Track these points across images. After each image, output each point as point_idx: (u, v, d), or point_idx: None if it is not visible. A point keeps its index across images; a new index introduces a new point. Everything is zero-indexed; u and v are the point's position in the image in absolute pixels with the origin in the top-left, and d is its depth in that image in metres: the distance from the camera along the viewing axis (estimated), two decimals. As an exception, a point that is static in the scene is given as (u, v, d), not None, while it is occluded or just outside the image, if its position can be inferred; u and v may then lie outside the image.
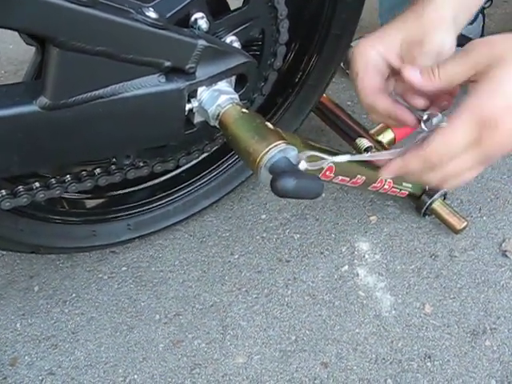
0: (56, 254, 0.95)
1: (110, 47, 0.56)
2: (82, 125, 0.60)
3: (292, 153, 0.63)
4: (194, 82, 0.64)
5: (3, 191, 0.69)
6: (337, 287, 0.94)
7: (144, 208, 0.94)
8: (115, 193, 0.91)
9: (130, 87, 0.60)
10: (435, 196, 1.02)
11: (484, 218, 1.06)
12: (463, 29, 0.66)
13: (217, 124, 0.68)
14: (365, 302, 0.93)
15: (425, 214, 1.04)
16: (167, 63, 0.61)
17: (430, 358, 0.86)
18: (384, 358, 0.86)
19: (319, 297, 0.93)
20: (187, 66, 0.63)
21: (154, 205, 0.95)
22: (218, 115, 0.67)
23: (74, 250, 0.91)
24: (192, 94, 0.66)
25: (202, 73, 0.64)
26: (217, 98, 0.66)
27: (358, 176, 0.81)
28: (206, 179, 0.99)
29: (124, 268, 0.97)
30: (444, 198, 1.04)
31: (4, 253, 0.97)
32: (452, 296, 0.93)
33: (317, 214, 1.06)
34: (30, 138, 0.58)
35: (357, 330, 0.89)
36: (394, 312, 0.91)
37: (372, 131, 1.09)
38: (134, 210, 0.93)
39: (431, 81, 0.57)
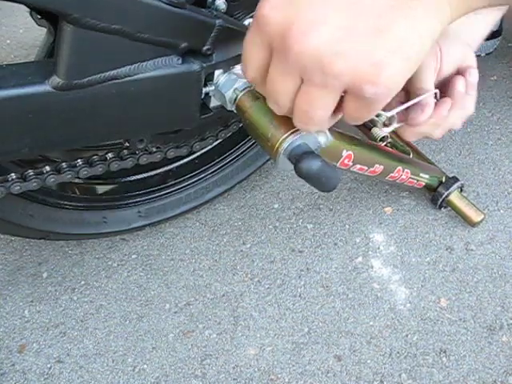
0: (65, 241, 0.93)
1: (126, 25, 0.53)
2: (94, 106, 0.58)
3: (312, 139, 0.60)
4: (212, 64, 0.62)
5: (13, 175, 0.68)
6: (351, 279, 0.92)
7: (155, 195, 0.92)
8: (126, 179, 0.90)
9: (145, 68, 0.58)
10: (452, 188, 0.99)
11: (501, 211, 1.03)
12: None
13: (234, 108, 0.65)
14: (379, 294, 0.91)
15: (441, 206, 1.01)
16: (184, 44, 0.59)
17: (445, 352, 0.84)
18: (398, 352, 0.84)
19: (333, 288, 0.91)
20: (204, 48, 0.60)
21: (166, 192, 0.93)
22: (236, 99, 0.64)
23: (84, 237, 0.89)
24: (209, 77, 0.64)
25: (219, 55, 0.62)
26: (234, 82, 0.64)
27: (376, 165, 0.79)
28: (218, 167, 0.97)
29: (134, 256, 0.96)
30: (461, 190, 1.01)
31: (12, 239, 0.96)
32: (468, 290, 0.91)
33: (331, 204, 1.04)
34: (41, 120, 0.56)
35: (371, 323, 0.87)
36: (408, 305, 0.89)
37: (388, 120, 1.06)
38: (145, 196, 0.91)
39: None
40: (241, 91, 0.64)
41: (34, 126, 0.56)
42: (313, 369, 0.82)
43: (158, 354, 0.83)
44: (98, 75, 0.55)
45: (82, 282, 0.92)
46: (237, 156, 0.96)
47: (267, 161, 1.01)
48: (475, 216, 0.98)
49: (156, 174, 0.92)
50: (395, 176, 0.86)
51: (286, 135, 0.59)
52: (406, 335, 0.86)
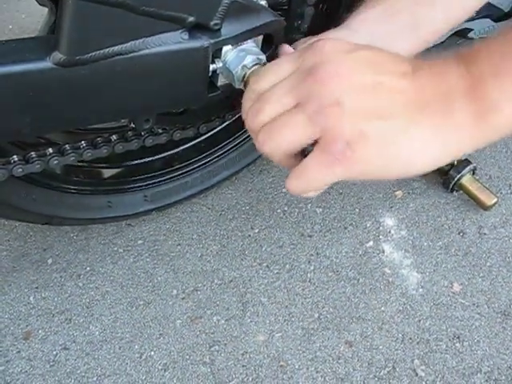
0: (70, 226, 0.92)
1: (130, -2, 0.51)
2: (98, 84, 0.56)
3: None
4: (220, 39, 0.59)
5: (15, 157, 0.66)
6: (361, 263, 0.90)
7: (161, 179, 0.90)
8: (132, 162, 0.88)
9: (150, 44, 0.55)
10: (464, 171, 0.97)
11: (515, 194, 1.01)
12: None
13: (242, 86, 0.63)
14: (390, 279, 0.89)
15: (452, 190, 0.99)
16: (191, 18, 0.56)
17: (458, 338, 0.82)
18: (411, 338, 0.82)
19: (343, 273, 0.89)
20: (212, 23, 0.58)
21: (172, 175, 0.91)
22: (244, 77, 0.62)
23: (89, 222, 0.88)
24: (216, 54, 0.61)
25: (227, 30, 0.59)
26: (243, 59, 0.61)
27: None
28: (225, 150, 0.95)
29: (140, 241, 0.94)
30: (473, 173, 0.99)
31: (17, 224, 0.94)
32: (481, 275, 0.89)
33: (340, 187, 1.01)
34: (42, 98, 0.54)
35: (382, 308, 0.85)
36: (421, 290, 0.87)
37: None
38: (150, 180, 0.89)
39: None
40: (249, 68, 0.62)
41: (34, 105, 0.54)
42: (323, 355, 0.80)
43: (165, 340, 0.82)
44: (101, 51, 0.53)
45: (88, 268, 0.90)
46: (244, 139, 0.94)
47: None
48: (488, 199, 0.96)
49: (162, 158, 0.90)
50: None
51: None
52: (419, 320, 0.84)
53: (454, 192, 1.00)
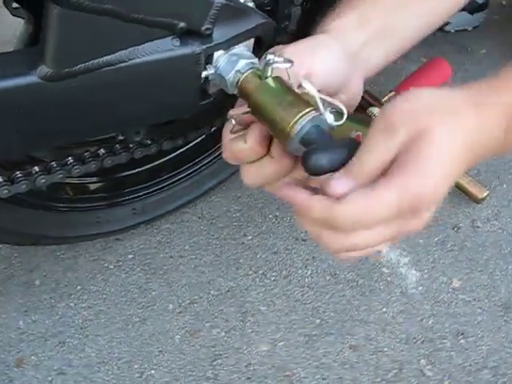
0: (56, 245, 0.88)
1: (118, 5, 0.48)
2: (88, 97, 0.53)
3: (324, 120, 0.56)
4: (211, 45, 0.57)
5: (-1, 178, 0.62)
6: (358, 265, 0.89)
7: (149, 190, 0.87)
8: (118, 175, 0.85)
9: (140, 52, 0.53)
10: (455, 165, 0.96)
11: (504, 185, 1.01)
12: None
13: (236, 92, 0.61)
14: (389, 279, 0.88)
15: (444, 184, 0.99)
16: (182, 24, 0.54)
17: (462, 334, 0.81)
18: (415, 338, 0.81)
19: (341, 276, 0.88)
20: (203, 28, 0.56)
21: (160, 186, 0.88)
22: (238, 82, 0.60)
23: (78, 240, 0.84)
24: (208, 60, 0.59)
25: (219, 35, 0.57)
26: (235, 63, 0.59)
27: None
28: (212, 157, 0.92)
29: (130, 256, 0.91)
30: (463, 167, 0.98)
31: (0, 246, 0.90)
32: (479, 269, 0.89)
33: (330, 189, 1.00)
34: (30, 114, 0.51)
35: (384, 309, 0.84)
36: (420, 288, 0.86)
37: (383, 100, 1.04)
38: (138, 192, 0.86)
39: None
40: (243, 73, 0.59)
41: (21, 122, 0.51)
42: (329, 361, 0.79)
43: (165, 357, 0.79)
44: (90, 62, 0.50)
45: (78, 287, 0.86)
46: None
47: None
48: (479, 192, 0.96)
49: (149, 168, 0.87)
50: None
51: (296, 118, 0.55)
52: (421, 319, 0.83)
53: (445, 187, 0.99)
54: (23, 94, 0.50)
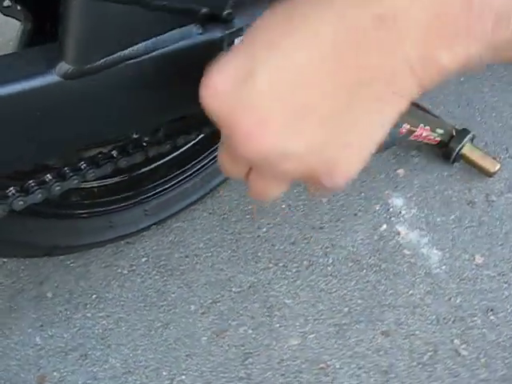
0: (68, 254, 0.84)
1: (141, -8, 0.45)
2: (110, 94, 0.49)
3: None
4: (233, 30, 0.53)
5: (12, 189, 0.58)
6: (379, 249, 0.87)
7: (160, 189, 0.84)
8: (127, 176, 0.81)
9: (163, 43, 0.49)
10: (464, 140, 0.95)
11: (513, 157, 1.00)
12: None
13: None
14: (412, 260, 0.86)
15: (454, 161, 0.97)
16: (204, 10, 0.50)
17: (492, 310, 0.80)
18: (445, 318, 0.80)
19: (363, 261, 0.86)
20: (225, 13, 0.52)
21: (171, 184, 0.85)
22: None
23: (90, 247, 0.80)
24: (228, 46, 0.56)
25: (240, 20, 0.54)
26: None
27: (404, 124, 0.74)
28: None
29: (144, 259, 0.87)
30: (472, 142, 0.97)
31: (5, 260, 0.86)
32: (500, 243, 0.88)
33: (340, 174, 0.98)
34: (49, 118, 0.47)
35: (411, 292, 0.82)
36: (444, 267, 0.85)
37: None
38: (149, 192, 0.82)
39: None
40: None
41: (41, 128, 0.47)
42: (362, 350, 0.77)
43: (194, 361, 0.76)
44: (113, 56, 0.47)
45: (94, 296, 0.83)
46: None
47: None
48: (492, 166, 0.95)
49: (158, 166, 0.84)
50: (418, 134, 0.81)
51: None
52: (449, 299, 0.82)
53: (455, 163, 0.98)
54: (42, 96, 0.46)
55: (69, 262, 0.86)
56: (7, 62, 0.46)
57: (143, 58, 0.49)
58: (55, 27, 0.45)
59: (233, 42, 0.56)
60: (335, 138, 0.33)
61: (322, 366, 0.75)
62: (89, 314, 0.81)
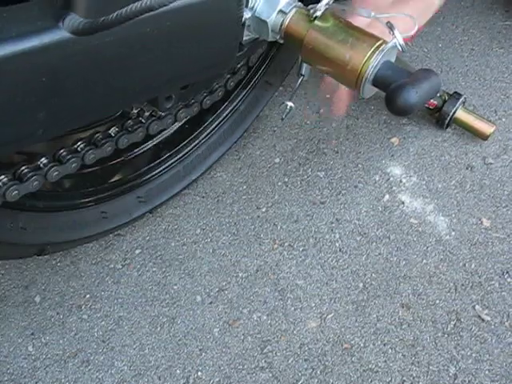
0: (57, 252, 0.75)
1: None
2: (128, 53, 0.42)
3: (392, 50, 0.50)
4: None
5: (3, 178, 0.50)
6: (385, 220, 0.84)
7: (152, 173, 0.77)
8: (117, 161, 0.73)
9: (181, -7, 0.43)
10: (457, 104, 0.93)
11: (503, 119, 0.99)
12: None
13: (279, 37, 0.52)
14: (420, 229, 0.83)
15: (447, 126, 0.95)
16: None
17: (508, 273, 0.78)
18: (463, 284, 0.77)
19: (371, 234, 0.82)
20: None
21: (162, 168, 0.78)
22: (282, 24, 0.51)
23: (84, 241, 0.73)
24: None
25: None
26: (276, 3, 0.51)
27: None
28: (210, 128, 0.83)
29: (138, 251, 0.80)
30: (463, 105, 0.95)
31: (-19, 265, 0.76)
32: (504, 204, 0.86)
33: (334, 146, 0.94)
34: (59, 82, 0.40)
35: (424, 261, 0.79)
36: (453, 233, 0.83)
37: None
38: (141, 178, 0.75)
39: None
40: (288, 12, 0.51)
41: (49, 94, 0.40)
42: (384, 325, 0.73)
43: (208, 355, 0.70)
44: (129, 7, 0.40)
45: (87, 296, 0.75)
46: (233, 108, 0.82)
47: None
48: (487, 128, 0.93)
49: (147, 150, 0.77)
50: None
51: (369, 54, 0.48)
52: (464, 265, 0.79)
53: (448, 128, 0.96)
54: (50, 55, 0.38)
55: (55, 262, 0.78)
56: (10, 15, 0.38)
57: (161, 11, 0.42)
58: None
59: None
60: None
61: (345, 346, 0.71)
62: (85, 316, 0.73)
